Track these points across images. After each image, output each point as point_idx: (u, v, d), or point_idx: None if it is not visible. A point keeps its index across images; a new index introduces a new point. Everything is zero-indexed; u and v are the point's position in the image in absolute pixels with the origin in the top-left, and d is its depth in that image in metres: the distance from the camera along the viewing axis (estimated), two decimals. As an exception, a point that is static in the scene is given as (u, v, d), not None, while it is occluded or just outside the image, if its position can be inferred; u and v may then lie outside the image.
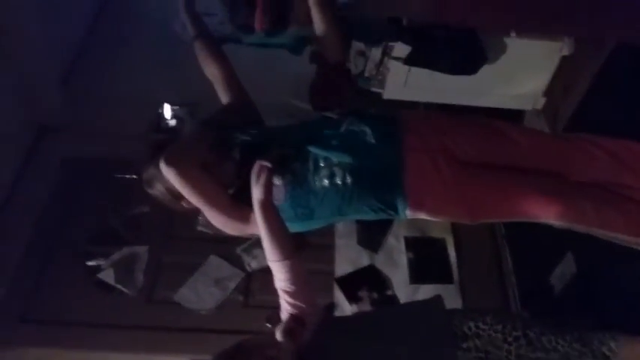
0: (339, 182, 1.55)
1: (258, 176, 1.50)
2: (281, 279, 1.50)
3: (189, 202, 1.57)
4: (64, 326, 2.64)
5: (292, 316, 1.52)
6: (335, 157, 1.56)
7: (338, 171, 1.55)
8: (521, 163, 1.65)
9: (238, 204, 1.60)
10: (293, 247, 1.52)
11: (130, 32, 3.99)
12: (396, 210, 1.61)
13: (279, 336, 1.51)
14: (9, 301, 2.69)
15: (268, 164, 1.50)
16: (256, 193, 1.49)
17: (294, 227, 1.60)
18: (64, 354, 2.58)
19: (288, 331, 1.51)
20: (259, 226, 1.51)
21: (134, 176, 3.16)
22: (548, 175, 1.65)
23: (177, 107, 3.45)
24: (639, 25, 1.82)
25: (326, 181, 1.56)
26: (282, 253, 1.49)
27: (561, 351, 1.58)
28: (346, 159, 1.55)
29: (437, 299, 1.67)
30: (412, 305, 1.77)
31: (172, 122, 3.42)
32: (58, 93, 3.38)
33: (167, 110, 3.42)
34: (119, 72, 3.70)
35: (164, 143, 1.60)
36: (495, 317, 1.61)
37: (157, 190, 1.61)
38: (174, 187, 1.52)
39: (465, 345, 1.54)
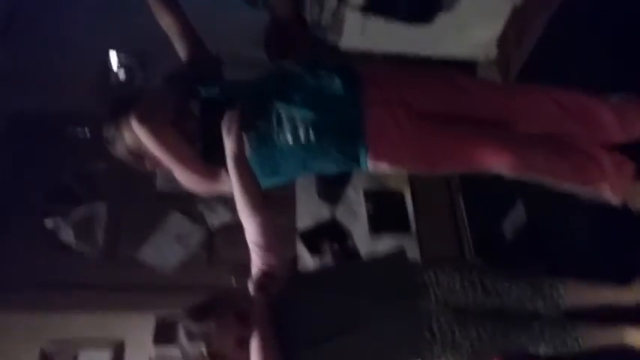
0: (302, 138, 1.56)
1: (229, 129, 1.50)
2: (253, 233, 1.53)
3: (151, 162, 1.58)
4: (23, 288, 2.61)
5: (263, 271, 1.56)
6: (298, 114, 1.56)
7: (301, 127, 1.55)
8: (476, 115, 1.68)
9: (207, 162, 1.60)
10: (265, 202, 1.55)
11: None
12: (358, 162, 1.64)
13: (251, 289, 1.56)
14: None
15: (237, 116, 1.49)
16: (229, 146, 1.50)
17: (260, 183, 1.62)
18: (24, 316, 2.57)
19: (259, 285, 1.56)
20: (232, 181, 1.54)
21: (86, 129, 3.09)
22: (500, 126, 1.70)
23: (125, 56, 3.32)
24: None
25: (290, 137, 1.56)
26: (255, 208, 1.52)
27: (514, 296, 1.68)
28: (309, 115, 1.55)
29: (399, 253, 1.74)
30: (375, 259, 1.83)
31: (121, 72, 3.30)
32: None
33: (114, 59, 3.29)
34: (61, 17, 3.53)
35: (125, 101, 1.58)
36: (452, 266, 1.70)
37: (119, 149, 1.58)
38: (135, 147, 1.53)
39: (424, 292, 1.63)
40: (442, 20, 2.46)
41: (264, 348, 1.48)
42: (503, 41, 2.63)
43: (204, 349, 1.49)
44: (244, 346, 1.50)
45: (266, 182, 1.63)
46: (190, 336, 1.53)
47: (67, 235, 2.74)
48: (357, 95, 1.59)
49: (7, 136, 3.04)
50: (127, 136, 1.52)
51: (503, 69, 2.65)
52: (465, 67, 2.78)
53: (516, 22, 2.52)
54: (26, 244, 2.71)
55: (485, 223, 2.75)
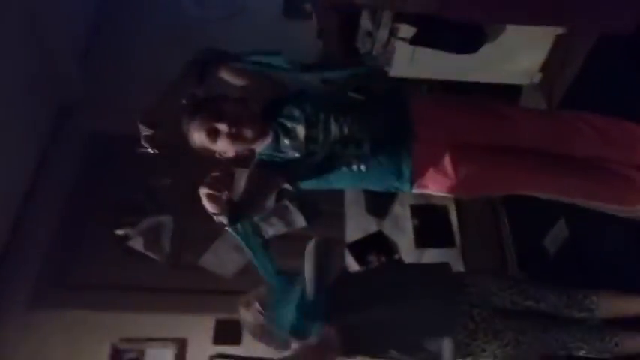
0: (354, 169, 1.73)
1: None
2: None
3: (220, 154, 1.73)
4: (97, 290, 2.87)
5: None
6: (352, 148, 1.71)
7: (354, 160, 1.72)
8: (519, 143, 1.80)
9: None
10: None
11: (141, 11, 4.14)
12: (401, 190, 1.82)
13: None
14: (47, 268, 2.92)
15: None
16: None
17: (308, 184, 1.78)
18: (98, 315, 2.79)
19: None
20: None
21: (155, 150, 3.36)
22: (541, 152, 1.81)
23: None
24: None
25: (344, 168, 1.73)
26: None
27: (550, 302, 1.80)
28: (366, 152, 1.71)
29: (443, 264, 1.91)
30: (422, 264, 1.98)
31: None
32: (78, 70, 3.55)
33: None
34: (132, 50, 3.87)
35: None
36: (491, 273, 1.90)
37: (192, 142, 1.75)
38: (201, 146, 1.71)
39: (466, 289, 1.78)
40: (487, 49, 2.58)
41: None
42: (547, 67, 2.74)
43: (257, 306, 1.75)
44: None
45: (313, 184, 1.79)
46: (246, 302, 1.80)
47: (137, 243, 2.99)
48: (407, 134, 1.74)
49: (86, 155, 3.35)
50: (196, 137, 1.70)
51: (547, 94, 2.75)
52: (510, 91, 2.92)
53: (560, 49, 2.64)
54: (101, 251, 2.97)
55: (528, 239, 2.83)
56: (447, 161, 1.74)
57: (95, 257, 2.97)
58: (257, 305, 1.80)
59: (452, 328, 1.73)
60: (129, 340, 2.74)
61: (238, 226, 1.63)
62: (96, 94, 3.53)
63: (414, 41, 2.61)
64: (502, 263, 2.85)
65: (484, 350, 1.73)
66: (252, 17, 4.07)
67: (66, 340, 2.73)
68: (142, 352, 2.71)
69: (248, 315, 1.83)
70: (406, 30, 2.60)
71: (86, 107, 3.51)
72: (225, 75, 1.81)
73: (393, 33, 2.65)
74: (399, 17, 2.60)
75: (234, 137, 1.67)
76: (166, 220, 3.10)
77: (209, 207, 1.57)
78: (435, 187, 1.79)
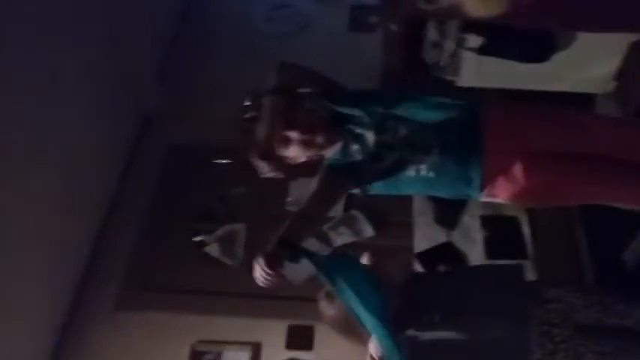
0: (422, 174, 1.76)
1: None
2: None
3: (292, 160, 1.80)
4: (177, 293, 3.04)
5: None
6: (422, 154, 1.74)
7: (423, 165, 1.75)
8: (593, 151, 1.77)
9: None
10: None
11: (215, 27, 4.35)
12: (471, 197, 1.84)
13: None
14: (131, 272, 3.13)
15: None
16: None
17: (377, 189, 1.83)
18: (179, 318, 2.95)
19: None
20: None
21: (229, 161, 3.53)
22: (617, 161, 1.77)
23: (261, 96, 3.75)
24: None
25: (412, 173, 1.77)
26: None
27: (634, 317, 1.74)
28: (435, 158, 1.74)
29: (518, 266, 1.88)
30: (495, 268, 1.94)
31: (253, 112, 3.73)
32: (158, 85, 3.78)
33: (247, 99, 3.73)
34: (208, 64, 4.07)
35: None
36: (575, 286, 1.80)
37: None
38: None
39: (547, 306, 1.72)
40: (558, 58, 2.55)
41: None
42: (621, 75, 2.66)
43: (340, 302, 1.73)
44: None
45: (381, 189, 1.83)
46: (329, 295, 1.82)
47: (213, 250, 3.14)
48: (479, 144, 1.75)
49: (165, 166, 3.56)
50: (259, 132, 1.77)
51: (622, 102, 2.68)
52: (583, 100, 2.85)
53: (635, 57, 2.56)
54: (180, 256, 3.14)
55: (606, 251, 2.73)
56: (517, 170, 1.74)
57: (175, 262, 3.14)
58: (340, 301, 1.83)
59: (527, 351, 1.69)
60: (207, 342, 2.86)
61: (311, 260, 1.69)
62: (174, 107, 3.75)
63: (482, 51, 2.62)
64: (578, 276, 2.77)
65: None
66: (319, 31, 4.18)
67: (149, 341, 2.89)
68: (219, 355, 2.82)
69: (329, 308, 1.87)
70: (474, 40, 2.62)
71: (166, 119, 3.73)
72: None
73: (460, 43, 2.67)
74: (467, 27, 2.61)
75: (305, 144, 1.75)
76: (240, 227, 3.24)
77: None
78: (506, 196, 1.79)
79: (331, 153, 1.81)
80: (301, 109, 1.78)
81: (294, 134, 1.73)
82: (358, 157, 1.78)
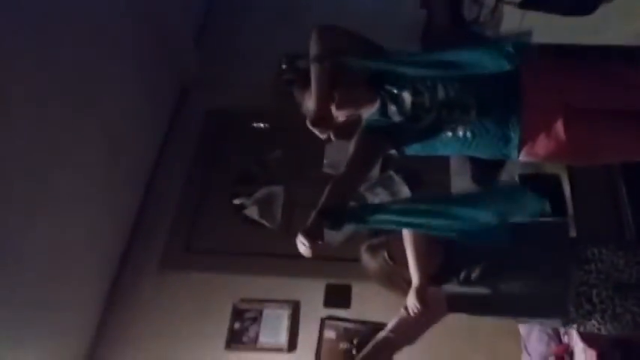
0: (460, 135, 1.74)
1: None
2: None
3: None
4: (219, 254, 3.13)
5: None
6: (460, 115, 1.72)
7: (460, 125, 1.73)
8: (636, 107, 1.71)
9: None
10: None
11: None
12: (509, 157, 1.80)
13: None
14: (174, 234, 3.22)
15: None
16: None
17: (414, 149, 1.83)
18: (221, 277, 3.05)
19: None
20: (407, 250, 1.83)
21: (267, 125, 3.57)
22: None
23: (299, 59, 3.75)
24: None
25: (449, 133, 1.75)
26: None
27: None
28: (469, 117, 1.71)
29: (564, 223, 1.86)
30: (540, 224, 1.93)
31: (290, 73, 3.73)
32: (194, 52, 3.81)
33: (288, 64, 3.74)
34: (243, 29, 4.07)
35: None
36: (618, 244, 1.78)
37: (305, 108, 1.82)
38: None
39: (586, 267, 1.72)
40: (604, 9, 2.47)
41: None
42: (669, 27, 2.57)
43: (386, 255, 1.78)
44: None
45: (419, 150, 1.83)
46: (372, 249, 1.84)
47: (253, 212, 3.21)
48: (516, 98, 1.71)
49: (204, 130, 3.61)
50: (307, 102, 1.77)
51: (670, 54, 2.59)
52: (630, 54, 2.75)
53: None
54: (221, 219, 3.22)
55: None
56: (558, 127, 1.70)
57: (216, 224, 3.22)
58: (385, 254, 1.87)
59: (564, 311, 1.71)
60: (248, 300, 2.96)
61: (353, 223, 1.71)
62: (211, 72, 3.78)
63: (524, 5, 2.55)
64: (620, 234, 2.72)
65: (599, 330, 1.71)
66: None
67: (193, 300, 3.00)
68: (259, 312, 2.91)
69: (372, 261, 1.91)
70: (515, -7, 2.55)
71: (202, 85, 3.77)
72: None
73: (500, -2, 2.60)
74: (507, -19, 2.54)
75: (344, 103, 1.75)
76: (278, 189, 3.29)
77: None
78: (546, 154, 1.76)
79: (369, 113, 1.81)
80: (342, 71, 1.77)
81: (334, 94, 1.74)
82: (396, 118, 1.77)
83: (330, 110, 1.73)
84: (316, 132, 1.75)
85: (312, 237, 1.59)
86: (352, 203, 1.81)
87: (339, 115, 1.78)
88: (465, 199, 1.76)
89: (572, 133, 1.70)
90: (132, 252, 3.20)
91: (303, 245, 1.61)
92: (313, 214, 1.64)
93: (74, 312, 2.80)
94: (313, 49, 1.74)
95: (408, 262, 1.82)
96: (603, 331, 1.72)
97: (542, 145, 1.74)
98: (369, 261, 1.91)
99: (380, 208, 1.77)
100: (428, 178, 3.18)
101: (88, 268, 2.90)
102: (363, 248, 1.94)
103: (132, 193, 3.31)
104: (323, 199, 1.67)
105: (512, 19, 2.66)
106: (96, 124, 2.85)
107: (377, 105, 1.80)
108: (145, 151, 3.45)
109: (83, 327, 2.89)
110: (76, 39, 2.63)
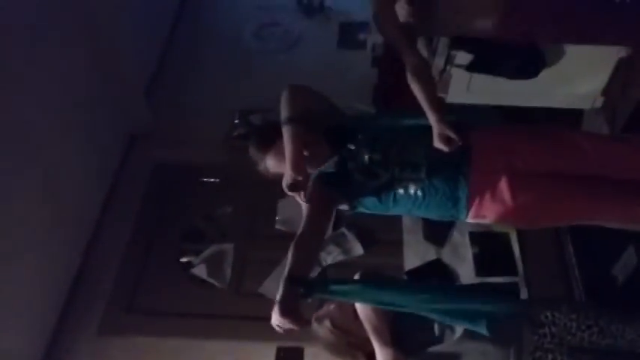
0: (411, 193, 1.77)
1: None
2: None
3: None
4: (163, 316, 2.96)
5: None
6: (412, 173, 1.75)
7: (412, 185, 1.76)
8: (583, 170, 1.77)
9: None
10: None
11: (203, 45, 4.34)
12: (457, 218, 1.84)
13: None
14: (115, 294, 3.04)
15: None
16: None
17: (367, 206, 1.85)
18: (164, 342, 2.87)
19: None
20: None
21: (217, 180, 3.50)
22: (605, 180, 1.77)
23: (251, 115, 3.75)
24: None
25: (401, 191, 1.78)
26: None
27: (627, 338, 1.72)
28: (420, 176, 1.75)
29: (512, 285, 1.86)
30: (489, 287, 1.93)
31: (243, 128, 3.71)
32: (144, 104, 3.74)
33: (237, 117, 3.72)
34: (195, 83, 4.05)
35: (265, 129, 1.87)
36: (570, 307, 1.77)
37: (262, 169, 1.83)
38: (273, 171, 1.79)
39: (540, 331, 1.71)
40: (547, 74, 2.56)
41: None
42: (609, 91, 2.68)
43: (329, 324, 1.73)
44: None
45: (373, 209, 1.86)
46: (318, 319, 1.77)
47: (201, 271, 3.08)
48: (464, 160, 1.76)
49: (151, 185, 3.49)
50: (268, 161, 1.78)
51: (610, 117, 2.69)
52: (571, 116, 2.86)
53: (622, 73, 2.58)
54: (166, 278, 3.07)
55: (596, 267, 2.73)
56: (505, 190, 1.73)
57: (161, 284, 3.07)
58: (328, 324, 1.82)
59: None
60: (194, 366, 2.79)
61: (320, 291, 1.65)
62: (161, 126, 3.71)
63: (471, 68, 2.62)
64: (568, 292, 2.76)
65: None
66: (308, 49, 4.19)
67: (134, 366, 2.82)
68: (206, 378, 2.76)
69: (320, 333, 1.87)
70: (463, 57, 2.62)
71: (152, 138, 3.69)
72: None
73: (449, 60, 2.67)
74: (455, 44, 2.62)
75: (313, 163, 1.77)
76: (228, 247, 3.19)
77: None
78: (493, 217, 1.79)
79: (324, 168, 1.82)
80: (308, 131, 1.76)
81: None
82: (355, 174, 1.79)
83: (306, 171, 1.70)
84: (294, 195, 1.71)
85: (289, 310, 1.52)
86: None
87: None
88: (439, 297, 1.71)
89: (518, 197, 1.73)
90: (70, 314, 3.00)
91: (280, 325, 1.55)
92: (282, 285, 1.56)
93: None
94: (285, 109, 1.73)
95: (351, 328, 1.81)
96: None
97: (489, 208, 1.77)
98: (317, 332, 1.87)
99: (347, 281, 1.74)
100: (381, 235, 3.16)
101: (20, 332, 2.70)
102: (312, 319, 1.88)
103: (71, 249, 3.13)
104: (288, 266, 1.60)
105: (462, 81, 2.73)
106: (37, 174, 2.72)
107: (334, 160, 1.80)
108: (87, 205, 3.30)
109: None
110: (16, 78, 2.53)
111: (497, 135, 1.85)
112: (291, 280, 1.55)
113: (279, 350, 2.80)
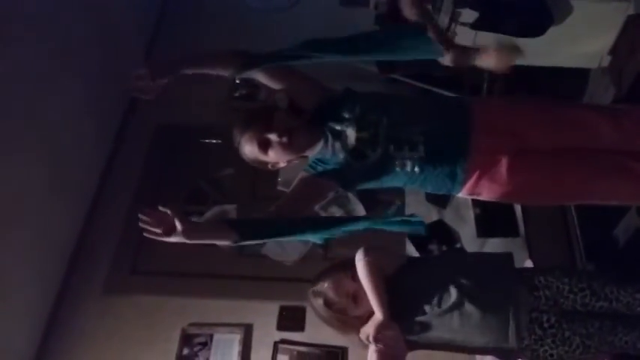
0: (408, 170, 1.71)
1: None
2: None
3: (273, 165, 1.76)
4: (167, 276, 3.00)
5: None
6: (407, 149, 1.69)
7: (409, 161, 1.69)
8: (585, 145, 1.74)
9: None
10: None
11: (203, 4, 4.24)
12: (452, 192, 1.80)
13: None
14: (120, 255, 3.08)
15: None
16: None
17: (363, 186, 1.79)
18: (169, 301, 2.93)
19: None
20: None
21: (218, 141, 3.48)
22: (608, 154, 1.74)
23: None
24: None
25: (398, 169, 1.71)
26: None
27: (623, 301, 1.74)
28: (417, 152, 1.69)
29: (508, 255, 1.88)
30: (484, 255, 1.94)
31: (245, 88, 3.67)
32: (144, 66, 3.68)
33: (242, 80, 3.66)
34: (195, 43, 3.97)
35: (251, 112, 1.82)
36: (562, 271, 1.80)
37: (246, 153, 1.75)
38: (254, 157, 1.73)
39: (535, 293, 1.74)
40: (553, 32, 2.49)
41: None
42: (616, 50, 2.62)
43: (321, 302, 1.76)
44: (358, 300, 1.76)
45: (366, 184, 1.79)
46: (313, 295, 1.80)
47: (203, 232, 3.10)
48: (464, 138, 1.70)
49: (154, 146, 3.49)
50: (248, 149, 1.71)
51: (616, 77, 2.64)
52: (577, 75, 2.81)
53: (630, 32, 2.52)
54: (170, 239, 3.11)
55: (597, 229, 2.73)
56: (503, 172, 1.70)
57: (165, 245, 3.06)
58: (321, 301, 1.83)
59: (520, 335, 1.71)
60: (198, 324, 2.84)
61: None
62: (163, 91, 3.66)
63: (476, 26, 2.56)
64: (569, 254, 2.77)
65: (552, 355, 1.72)
66: (310, 7, 4.09)
67: (139, 324, 2.87)
68: (210, 337, 2.80)
69: (315, 308, 1.87)
70: (468, 15, 2.56)
71: (151, 100, 3.64)
72: (265, 79, 1.80)
73: (454, 18, 2.61)
74: (460, 1, 2.55)
75: (285, 146, 1.67)
76: (230, 208, 3.20)
77: None
78: (488, 194, 1.77)
79: (313, 153, 1.76)
80: (280, 110, 1.71)
81: (273, 136, 1.66)
82: (340, 155, 1.72)
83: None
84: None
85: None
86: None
87: (282, 160, 1.73)
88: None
89: (516, 177, 1.71)
90: (75, 275, 3.05)
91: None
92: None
93: (14, 338, 2.65)
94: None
95: (343, 306, 1.79)
96: (555, 357, 1.72)
97: (484, 185, 1.74)
98: (313, 305, 1.88)
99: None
100: (383, 197, 3.16)
101: (28, 291, 2.74)
102: (308, 293, 1.89)
103: (75, 212, 3.15)
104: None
105: (466, 40, 2.66)
106: (38, 136, 2.71)
107: (321, 145, 1.75)
108: (90, 166, 3.30)
109: (22, 354, 2.72)
110: (18, 43, 2.50)
111: (498, 111, 1.79)
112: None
113: (282, 309, 2.86)
